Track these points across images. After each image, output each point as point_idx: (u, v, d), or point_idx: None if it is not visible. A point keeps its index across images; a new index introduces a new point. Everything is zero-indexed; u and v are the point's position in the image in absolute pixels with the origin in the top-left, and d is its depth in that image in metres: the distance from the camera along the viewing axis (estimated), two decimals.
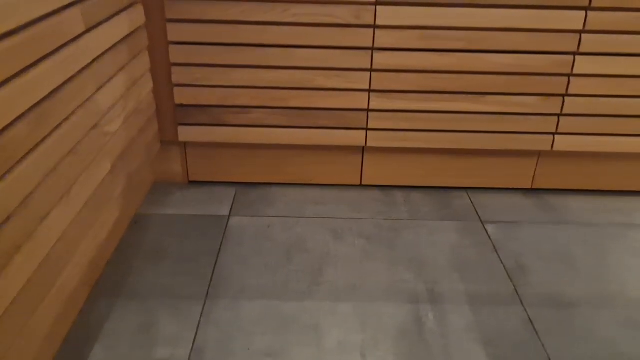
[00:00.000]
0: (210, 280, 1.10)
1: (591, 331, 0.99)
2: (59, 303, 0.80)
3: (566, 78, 1.26)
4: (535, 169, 1.42)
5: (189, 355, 0.92)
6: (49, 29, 0.75)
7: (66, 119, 0.80)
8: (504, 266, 1.16)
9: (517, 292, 1.08)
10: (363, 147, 1.37)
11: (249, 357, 0.92)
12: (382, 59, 1.23)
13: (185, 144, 1.36)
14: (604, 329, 1.00)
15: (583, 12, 1.19)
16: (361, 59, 1.23)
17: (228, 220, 1.29)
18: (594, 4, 1.18)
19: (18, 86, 0.67)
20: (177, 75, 1.25)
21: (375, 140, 1.33)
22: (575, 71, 1.25)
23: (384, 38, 1.21)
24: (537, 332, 0.99)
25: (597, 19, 1.20)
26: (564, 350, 0.95)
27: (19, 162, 0.67)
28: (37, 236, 0.72)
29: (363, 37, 1.21)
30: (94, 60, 0.90)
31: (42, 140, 0.73)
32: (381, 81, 1.26)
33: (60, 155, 0.78)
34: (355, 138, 1.33)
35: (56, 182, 0.77)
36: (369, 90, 1.27)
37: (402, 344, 0.96)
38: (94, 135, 0.91)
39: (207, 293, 1.06)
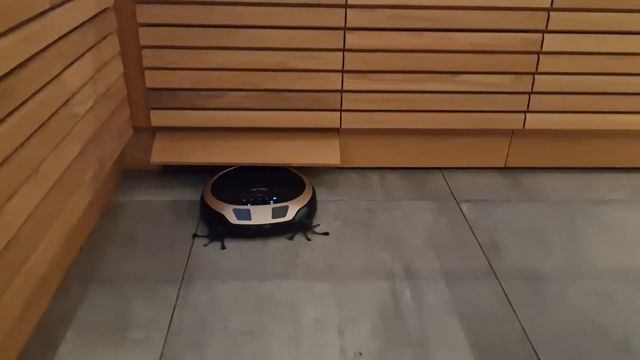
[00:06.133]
0: (186, 265, 1.09)
1: (562, 301, 1.01)
2: (30, 285, 0.79)
3: (535, 56, 1.27)
4: (509, 148, 1.44)
5: (165, 337, 0.91)
6: (11, 4, 0.73)
7: (32, 95, 0.78)
8: (478, 243, 1.17)
9: (491, 267, 1.10)
10: (338, 129, 1.37)
11: (226, 336, 0.91)
12: (354, 39, 1.23)
13: (156, 130, 1.34)
14: (575, 299, 1.02)
15: None
16: (333, 39, 1.23)
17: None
18: None
19: None
20: (148, 58, 1.23)
21: (350, 121, 1.33)
22: (545, 49, 1.26)
23: (355, 18, 1.21)
24: (511, 304, 1.00)
25: None
26: (537, 320, 0.97)
27: None
28: (5, 213, 0.71)
29: (335, 17, 1.21)
30: (59, 39, 0.88)
31: (9, 115, 0.72)
32: (354, 62, 1.26)
33: (28, 132, 0.77)
34: (330, 120, 1.33)
35: (23, 160, 0.76)
36: (342, 71, 1.27)
37: (378, 319, 0.96)
38: (62, 115, 0.89)
39: (183, 277, 1.05)
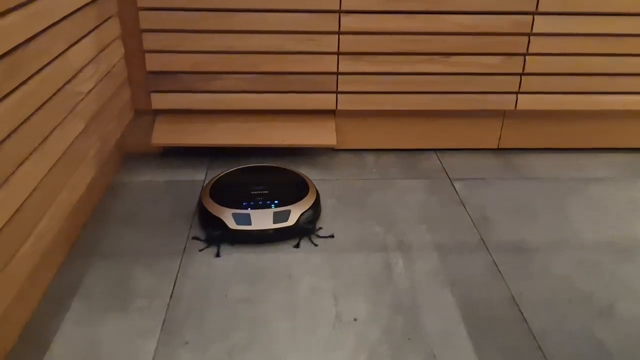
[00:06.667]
0: (187, 239, 1.12)
1: (550, 270, 1.05)
2: (37, 252, 0.83)
3: (526, 38, 1.31)
4: (501, 130, 1.47)
5: (168, 304, 0.95)
6: None
7: (39, 71, 0.82)
8: (470, 218, 1.21)
9: (482, 240, 1.14)
10: (334, 111, 1.41)
11: (226, 303, 0.95)
12: (349, 22, 1.27)
13: (156, 113, 1.38)
14: (562, 268, 1.06)
15: None
16: (329, 22, 1.26)
17: (203, 184, 1.32)
18: None
19: None
20: (148, 41, 1.27)
21: (346, 103, 1.37)
22: (535, 30, 1.30)
23: (350, 1, 1.24)
24: (500, 273, 1.04)
25: None
26: (525, 287, 1.00)
27: None
28: (15, 180, 0.74)
29: (330, 0, 1.24)
30: (63, 19, 0.92)
31: (17, 88, 0.75)
32: (349, 44, 1.29)
33: (35, 106, 0.80)
34: (326, 102, 1.36)
35: (31, 132, 0.79)
36: (338, 54, 1.30)
37: (371, 286, 1.00)
38: (67, 92, 0.92)
39: (184, 250, 1.09)
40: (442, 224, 1.19)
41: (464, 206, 1.25)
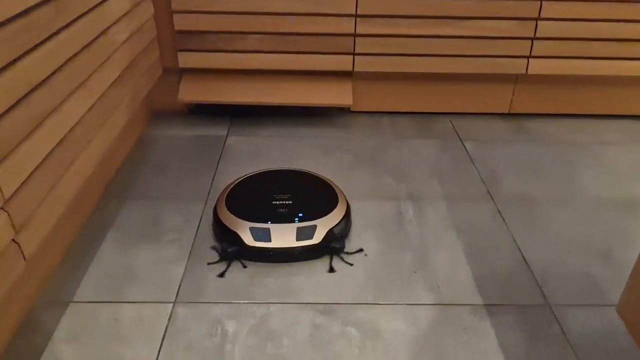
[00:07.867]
0: (211, 186, 1.20)
1: (553, 220, 1.11)
2: (78, 182, 0.91)
3: (538, 2, 1.35)
4: (513, 95, 1.52)
5: (194, 238, 1.03)
6: None
7: (82, 15, 0.90)
8: (479, 174, 1.27)
9: (489, 193, 1.20)
10: (351, 73, 1.47)
11: None
12: None
13: (182, 71, 1.45)
14: (564, 219, 1.11)
15: None
16: None
17: (226, 139, 1.40)
18: None
19: None
20: (176, 2, 1.34)
21: (362, 65, 1.43)
22: None
23: None
24: (505, 221, 1.10)
25: None
26: (528, 234, 1.07)
27: (45, 40, 0.78)
28: (61, 111, 0.82)
29: None
30: None
31: (64, 27, 0.83)
32: (366, 6, 1.35)
33: (79, 46, 0.88)
34: (343, 63, 1.42)
35: (75, 70, 0.87)
36: (355, 16, 1.36)
37: (382, 229, 1.07)
38: (105, 39, 1.00)
39: (208, 195, 1.17)
40: (451, 178, 1.25)
41: (474, 163, 1.31)
